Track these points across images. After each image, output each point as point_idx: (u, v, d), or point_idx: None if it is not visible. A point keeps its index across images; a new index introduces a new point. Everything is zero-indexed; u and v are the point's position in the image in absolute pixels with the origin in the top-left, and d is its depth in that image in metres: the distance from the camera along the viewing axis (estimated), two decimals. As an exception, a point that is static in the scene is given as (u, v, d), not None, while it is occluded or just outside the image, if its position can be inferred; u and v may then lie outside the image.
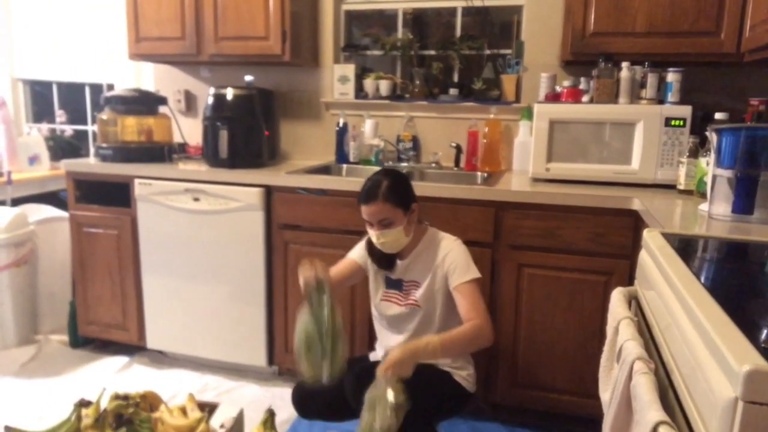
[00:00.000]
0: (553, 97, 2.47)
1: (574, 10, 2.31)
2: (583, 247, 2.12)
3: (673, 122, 2.18)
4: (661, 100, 2.26)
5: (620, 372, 1.05)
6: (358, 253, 2.00)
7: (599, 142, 2.28)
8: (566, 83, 2.45)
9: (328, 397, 1.85)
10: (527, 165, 2.42)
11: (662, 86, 2.26)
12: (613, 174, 2.28)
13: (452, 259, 1.82)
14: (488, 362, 2.25)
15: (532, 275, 2.19)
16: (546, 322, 2.20)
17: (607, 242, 2.09)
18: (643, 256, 1.37)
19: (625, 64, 2.27)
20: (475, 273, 1.81)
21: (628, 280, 2.05)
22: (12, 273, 2.88)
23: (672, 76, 2.22)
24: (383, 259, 1.94)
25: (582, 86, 2.45)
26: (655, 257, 1.23)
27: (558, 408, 2.25)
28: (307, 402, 1.93)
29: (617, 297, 1.35)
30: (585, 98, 2.39)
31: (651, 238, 1.36)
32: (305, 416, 1.98)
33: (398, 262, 1.92)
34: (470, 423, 2.27)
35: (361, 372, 1.75)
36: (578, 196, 2.10)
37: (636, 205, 2.01)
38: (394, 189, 1.81)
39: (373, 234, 1.84)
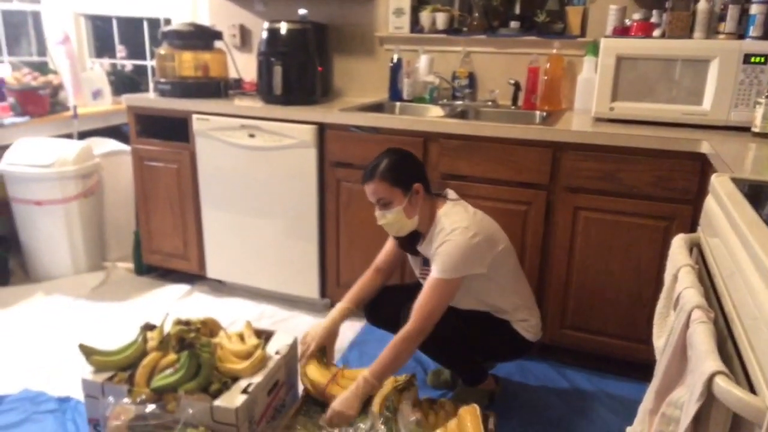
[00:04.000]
0: (622, 31, 2.33)
1: (650, -65, 2.13)
2: (645, 191, 2.04)
3: (753, 59, 2.02)
4: (741, 34, 2.09)
5: (677, 320, 1.02)
6: None
7: (669, 80, 2.15)
8: (636, 16, 2.30)
9: (395, 309, 1.92)
10: (590, 104, 2.31)
11: (744, 19, 2.08)
12: (681, 115, 2.15)
13: (442, 251, 1.75)
14: (537, 303, 2.24)
15: (588, 218, 2.14)
16: (600, 267, 2.16)
17: (670, 186, 2.00)
18: (710, 201, 1.31)
19: (703, -6, 2.10)
20: (452, 274, 1.74)
21: (691, 226, 1.97)
22: (81, 203, 3.03)
23: (756, 8, 2.04)
24: (404, 242, 1.95)
25: (654, 19, 2.28)
26: (723, 203, 1.17)
27: (608, 352, 2.24)
28: (375, 309, 2.04)
29: (678, 243, 1.30)
30: (656, 32, 2.24)
31: (720, 183, 1.29)
32: (372, 322, 2.09)
33: (422, 242, 1.89)
34: (518, 362, 2.30)
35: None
36: (642, 137, 2.00)
37: (704, 148, 1.90)
38: (393, 168, 1.80)
39: (377, 215, 1.86)
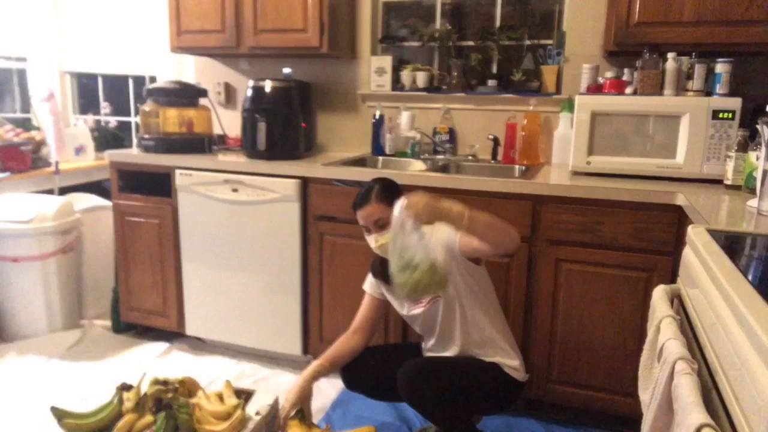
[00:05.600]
0: (595, 89, 2.42)
1: (618, -1, 2.25)
2: (624, 243, 2.07)
3: (721, 115, 2.11)
4: (708, 92, 2.18)
5: (661, 372, 1.02)
6: (369, 286, 2.05)
7: (642, 135, 2.22)
8: (609, 74, 2.39)
9: (374, 374, 1.92)
10: (567, 158, 2.37)
11: (710, 78, 2.18)
12: (656, 168, 2.21)
13: (439, 235, 1.80)
14: (523, 357, 2.22)
15: (570, 270, 2.15)
16: (584, 319, 2.16)
17: (649, 238, 2.03)
18: (687, 252, 1.33)
19: (671, 55, 2.20)
20: (458, 233, 1.75)
21: (671, 277, 1.99)
22: (59, 259, 2.99)
23: (721, 67, 2.14)
24: (387, 274, 1.88)
25: (625, 77, 2.38)
26: (700, 254, 1.19)
27: (594, 406, 2.21)
28: (354, 375, 1.99)
29: (659, 294, 1.32)
30: (628, 90, 2.32)
31: (696, 234, 1.32)
32: (351, 388, 2.02)
33: None
34: (504, 418, 2.26)
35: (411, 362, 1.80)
36: (620, 190, 2.05)
37: (680, 200, 1.95)
38: (385, 191, 1.87)
39: (371, 239, 1.87)
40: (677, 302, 1.35)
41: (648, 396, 1.10)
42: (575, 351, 2.19)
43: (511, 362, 1.88)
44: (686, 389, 0.88)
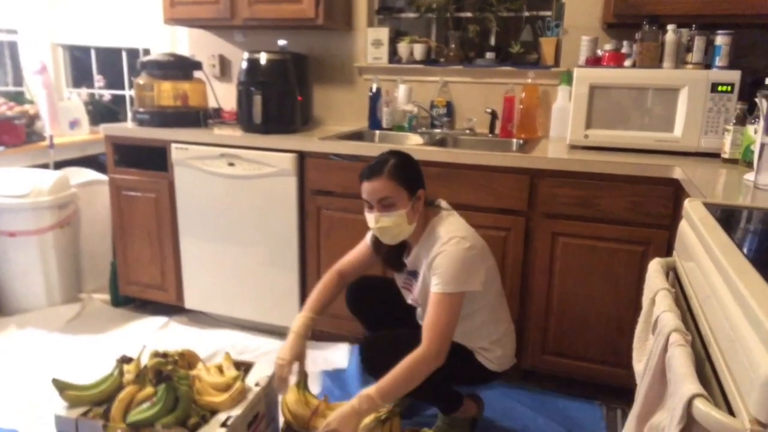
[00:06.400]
0: (594, 61, 2.40)
1: (618, -31, 2.21)
2: (621, 217, 2.07)
3: (720, 88, 2.09)
4: (707, 64, 2.16)
5: (656, 343, 1.03)
6: (371, 238, 1.94)
7: (641, 108, 2.21)
8: (608, 47, 2.37)
9: (379, 299, 1.95)
10: (565, 132, 2.36)
11: (710, 50, 2.16)
12: (654, 141, 2.21)
13: (439, 263, 1.68)
14: (518, 329, 2.25)
15: (567, 244, 2.16)
16: (579, 292, 2.18)
17: (645, 212, 2.04)
18: (684, 226, 1.34)
19: (670, 27, 2.17)
20: (456, 287, 1.67)
21: (667, 250, 2.00)
22: (56, 234, 2.98)
23: (721, 39, 2.12)
24: (390, 257, 1.88)
25: (624, 50, 2.36)
26: (696, 227, 1.20)
27: (589, 377, 2.25)
28: (359, 297, 2.02)
29: (654, 267, 1.33)
30: (627, 62, 2.31)
31: (692, 207, 1.32)
32: (352, 311, 2.05)
33: (409, 253, 1.85)
34: (499, 389, 2.29)
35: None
36: (617, 164, 2.05)
37: (677, 173, 1.95)
38: (401, 167, 1.73)
39: (371, 218, 1.75)
40: (672, 275, 1.36)
41: (642, 367, 1.12)
42: (571, 323, 2.22)
43: (488, 354, 1.85)
44: (680, 360, 0.90)
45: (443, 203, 1.89)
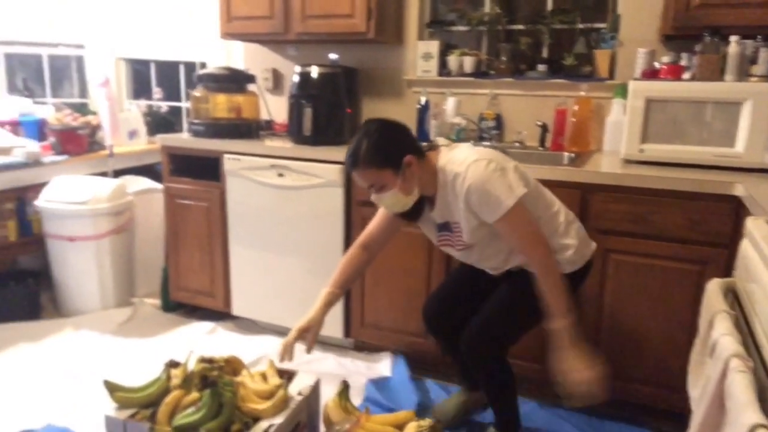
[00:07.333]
0: (651, 74, 2.32)
1: (677, -20, 2.15)
2: (677, 234, 1.99)
3: (787, 101, 1.99)
4: (774, 77, 2.06)
5: (713, 368, 0.98)
6: None
7: (699, 122, 2.12)
8: (665, 59, 2.29)
9: (455, 321, 1.91)
10: (619, 146, 2.30)
11: (776, 62, 2.06)
12: (713, 157, 2.11)
13: (475, 197, 1.60)
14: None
15: (619, 261, 2.09)
16: (631, 311, 2.10)
17: (703, 230, 1.95)
18: (745, 245, 1.27)
19: (734, 38, 2.08)
20: (507, 203, 1.57)
21: (725, 270, 1.91)
22: (112, 239, 3.10)
23: (788, 51, 2.02)
24: (411, 214, 1.79)
25: (683, 62, 2.28)
26: (759, 247, 1.13)
27: (640, 399, 2.16)
28: (434, 319, 2.01)
29: (713, 288, 1.26)
30: (686, 75, 2.22)
31: (755, 226, 1.26)
32: (431, 331, 2.06)
33: (432, 208, 1.76)
34: (549, 409, 2.22)
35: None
36: (673, 179, 1.97)
37: (738, 190, 1.86)
38: (375, 149, 1.60)
39: (373, 198, 1.71)
40: (732, 297, 1.29)
41: (698, 393, 1.06)
42: (621, 344, 2.14)
43: (566, 252, 1.74)
44: (740, 387, 0.85)
45: (441, 140, 1.83)
